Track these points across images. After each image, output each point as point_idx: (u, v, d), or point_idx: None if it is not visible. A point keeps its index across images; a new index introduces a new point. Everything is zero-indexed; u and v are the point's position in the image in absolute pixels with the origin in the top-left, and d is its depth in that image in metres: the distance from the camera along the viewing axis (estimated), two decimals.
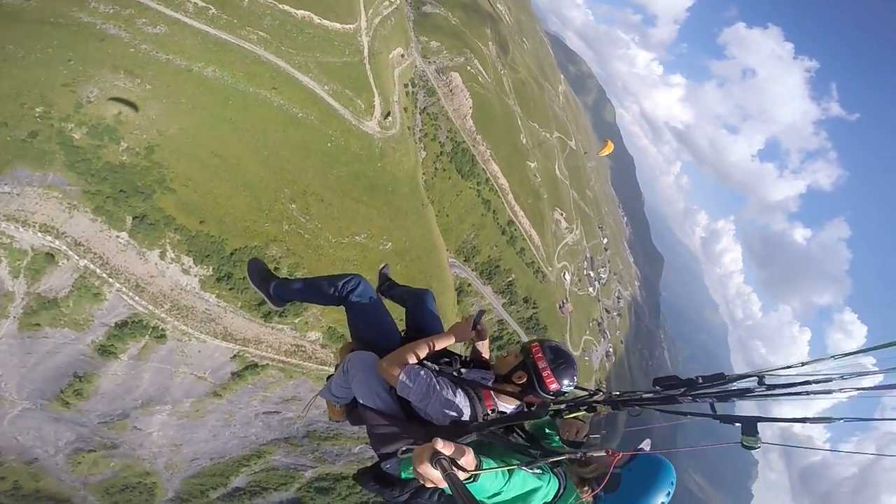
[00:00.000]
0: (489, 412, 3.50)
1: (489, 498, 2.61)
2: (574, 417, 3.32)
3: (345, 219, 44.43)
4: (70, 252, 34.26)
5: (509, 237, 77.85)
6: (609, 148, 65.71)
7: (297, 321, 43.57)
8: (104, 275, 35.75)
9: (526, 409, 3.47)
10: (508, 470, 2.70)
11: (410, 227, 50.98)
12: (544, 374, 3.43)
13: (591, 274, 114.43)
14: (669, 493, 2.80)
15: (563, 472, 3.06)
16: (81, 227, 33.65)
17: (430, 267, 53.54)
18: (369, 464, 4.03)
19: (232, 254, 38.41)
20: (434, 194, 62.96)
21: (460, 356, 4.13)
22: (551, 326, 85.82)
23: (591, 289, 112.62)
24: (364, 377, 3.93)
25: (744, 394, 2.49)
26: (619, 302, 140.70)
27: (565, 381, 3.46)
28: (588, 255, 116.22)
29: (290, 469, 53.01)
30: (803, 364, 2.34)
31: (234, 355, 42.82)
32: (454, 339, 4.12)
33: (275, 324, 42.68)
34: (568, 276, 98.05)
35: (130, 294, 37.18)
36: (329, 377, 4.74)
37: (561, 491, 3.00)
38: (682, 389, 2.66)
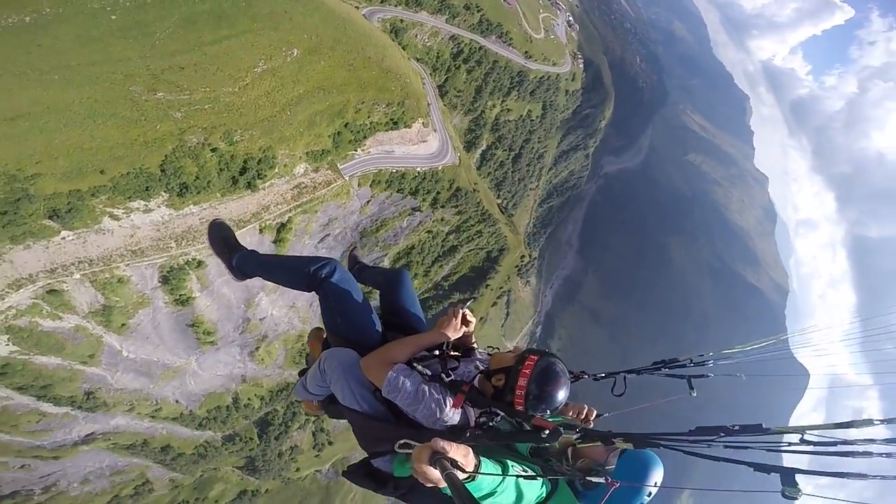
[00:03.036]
0: (483, 415, 3.24)
1: (482, 498, 2.51)
2: (588, 447, 3.09)
3: (224, 64, 36.75)
4: (60, 277, 34.17)
5: None
6: None
7: (275, 171, 42.05)
8: (102, 267, 35.77)
9: (534, 433, 2.99)
10: (503, 469, 2.61)
11: (302, 20, 41.33)
12: (517, 391, 3.02)
13: None
14: (651, 494, 2.76)
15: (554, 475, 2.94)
16: (33, 258, 32.20)
17: (354, 40, 45.45)
18: (358, 460, 3.77)
19: (162, 170, 35.64)
20: None
21: (446, 345, 3.68)
22: (504, 21, 78.00)
23: None
24: (344, 378, 3.51)
25: (781, 449, 2.37)
26: None
27: (535, 407, 3.00)
28: None
29: (374, 263, 60.75)
30: (845, 425, 2.23)
31: (260, 229, 44.64)
32: (441, 339, 3.64)
33: (262, 187, 41.74)
34: None
35: (135, 261, 37.53)
36: (302, 372, 4.38)
37: (552, 492, 2.93)
38: (718, 435, 2.44)
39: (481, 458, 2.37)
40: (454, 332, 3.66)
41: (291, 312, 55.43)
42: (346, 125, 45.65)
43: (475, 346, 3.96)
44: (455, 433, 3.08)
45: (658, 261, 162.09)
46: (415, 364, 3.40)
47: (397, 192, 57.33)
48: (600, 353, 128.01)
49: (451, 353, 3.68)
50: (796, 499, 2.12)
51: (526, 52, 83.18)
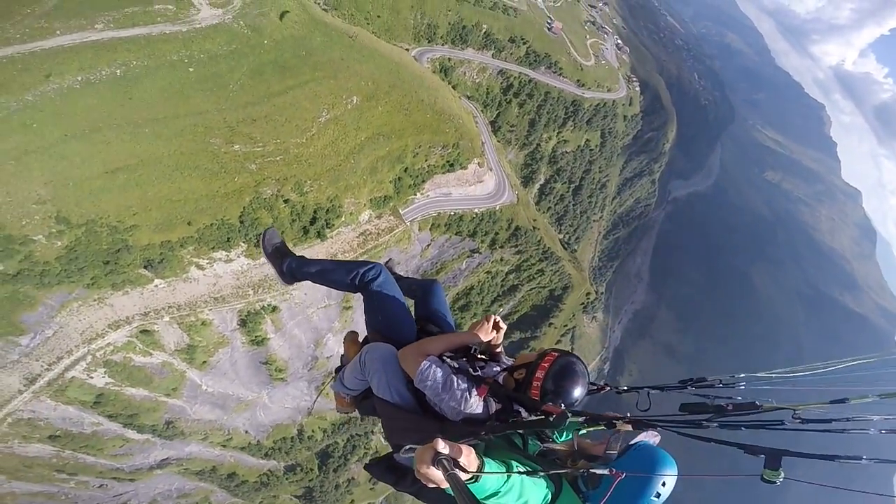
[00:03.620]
0: (503, 410, 3.38)
1: (487, 498, 2.50)
2: (590, 431, 3.10)
3: (292, 115, 39.66)
4: (152, 319, 37.35)
5: None
6: None
7: (342, 219, 44.09)
8: (188, 312, 38.64)
9: (543, 418, 3.13)
10: (507, 468, 2.62)
11: (359, 68, 44.48)
12: (534, 382, 3.22)
13: None
14: (660, 494, 2.62)
15: (558, 477, 2.92)
16: (130, 303, 35.28)
17: (407, 83, 47.93)
18: (382, 454, 3.98)
19: (241, 221, 38.35)
20: (344, 12, 53.57)
21: (476, 349, 3.96)
22: (551, 51, 78.82)
23: None
24: (383, 370, 3.81)
25: (775, 426, 2.34)
26: None
27: (552, 400, 3.16)
28: None
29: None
30: (839, 402, 2.23)
31: None
32: (475, 340, 3.93)
33: (331, 235, 43.81)
34: None
35: (217, 306, 40.23)
36: (338, 369, 4.68)
37: (558, 492, 2.91)
38: (710, 415, 2.51)
39: (485, 459, 2.38)
40: (485, 335, 3.92)
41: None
42: (405, 170, 47.37)
43: (501, 353, 4.12)
44: (475, 425, 3.22)
45: (739, 290, 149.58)
46: (445, 358, 3.63)
47: (456, 234, 58.00)
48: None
49: (480, 355, 3.91)
50: (775, 482, 2.04)
51: (578, 80, 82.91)
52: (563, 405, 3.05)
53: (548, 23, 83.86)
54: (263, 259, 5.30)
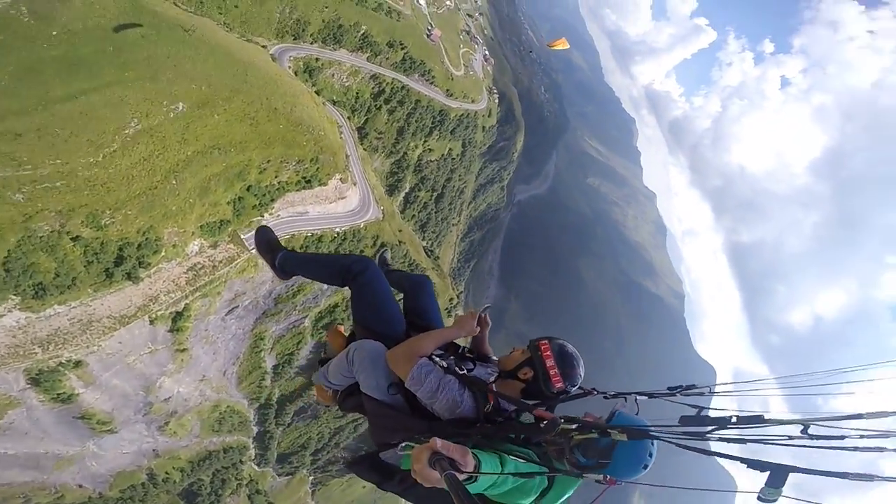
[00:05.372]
0: (493, 410, 3.20)
1: (484, 490, 2.47)
2: (585, 439, 2.80)
3: (81, 127, 28.02)
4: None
5: None
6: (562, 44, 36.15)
7: (161, 255, 33.90)
8: None
9: (536, 424, 2.92)
10: (501, 463, 2.59)
11: (190, 68, 33.53)
12: (551, 371, 3.19)
13: None
14: (652, 454, 2.71)
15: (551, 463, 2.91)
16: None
17: (256, 89, 38.27)
18: (364, 452, 3.73)
19: (6, 269, 26.71)
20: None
21: (463, 348, 3.95)
22: (427, 59, 75.10)
23: (448, 2, 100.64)
24: (371, 369, 3.54)
25: (781, 442, 2.17)
26: (476, 1, 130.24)
27: (571, 381, 3.20)
28: None
29: (291, 329, 53.82)
30: (854, 416, 2.00)
31: (151, 321, 36.51)
32: (461, 334, 3.74)
33: (146, 275, 33.42)
34: (422, 1, 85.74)
35: None
36: (322, 361, 4.39)
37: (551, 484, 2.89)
38: (713, 427, 2.34)
39: (481, 457, 2.32)
40: (470, 329, 3.76)
41: (202, 385, 47.31)
42: (248, 189, 38.56)
43: (489, 351, 4.06)
44: (465, 425, 3.13)
45: (572, 282, 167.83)
46: (434, 357, 3.48)
47: None
48: None
49: (468, 353, 3.89)
50: (774, 500, 1.89)
51: (447, 90, 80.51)
52: (577, 383, 3.17)
53: (428, 29, 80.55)
54: (255, 253, 4.52)
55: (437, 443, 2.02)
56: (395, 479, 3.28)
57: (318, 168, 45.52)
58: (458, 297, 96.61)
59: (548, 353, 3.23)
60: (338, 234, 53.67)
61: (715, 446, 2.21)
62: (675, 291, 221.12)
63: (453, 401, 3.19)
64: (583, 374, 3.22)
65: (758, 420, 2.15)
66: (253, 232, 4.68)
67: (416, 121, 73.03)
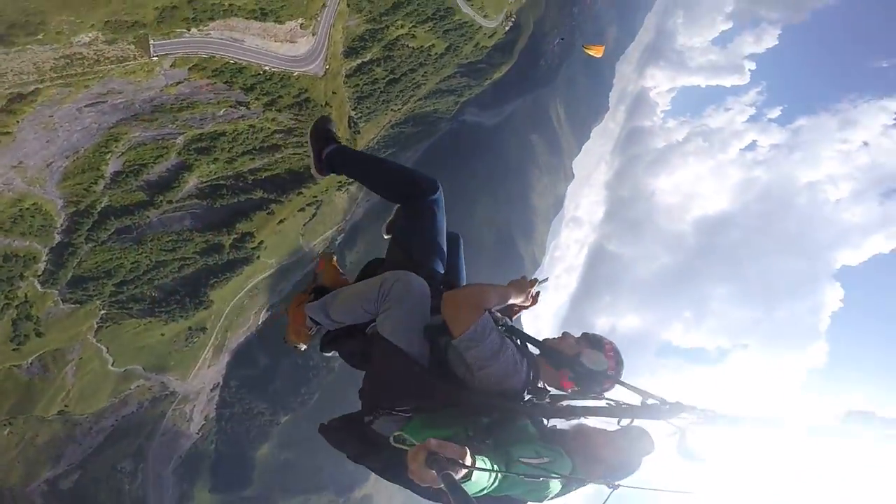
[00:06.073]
0: (540, 389, 3.02)
1: (479, 493, 2.31)
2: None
3: None
4: None
5: None
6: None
7: (35, 38, 24.87)
8: None
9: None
10: (507, 464, 2.49)
11: None
12: (609, 372, 2.96)
13: None
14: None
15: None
16: None
17: None
18: (344, 415, 3.18)
19: None
20: None
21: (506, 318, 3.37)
22: None
23: None
24: (410, 308, 2.95)
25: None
26: None
27: (612, 388, 3.06)
28: None
29: (157, 140, 46.11)
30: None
31: None
32: (517, 298, 3.25)
33: (2, 50, 24.41)
34: None
35: None
36: (318, 290, 3.60)
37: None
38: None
39: (478, 457, 2.22)
40: (523, 298, 3.33)
41: (13, 172, 37.78)
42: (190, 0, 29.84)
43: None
44: (505, 400, 2.82)
45: (465, 209, 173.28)
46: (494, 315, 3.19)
47: (225, 83, 42.79)
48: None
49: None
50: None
51: None
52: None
53: None
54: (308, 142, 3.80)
55: (433, 442, 1.95)
56: (383, 455, 2.84)
57: (282, 6, 36.87)
58: None
59: (611, 355, 3.00)
60: (264, 72, 46.07)
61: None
62: (535, 260, 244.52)
63: (511, 368, 2.84)
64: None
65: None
66: (319, 117, 4.12)
67: (418, 2, 62.54)
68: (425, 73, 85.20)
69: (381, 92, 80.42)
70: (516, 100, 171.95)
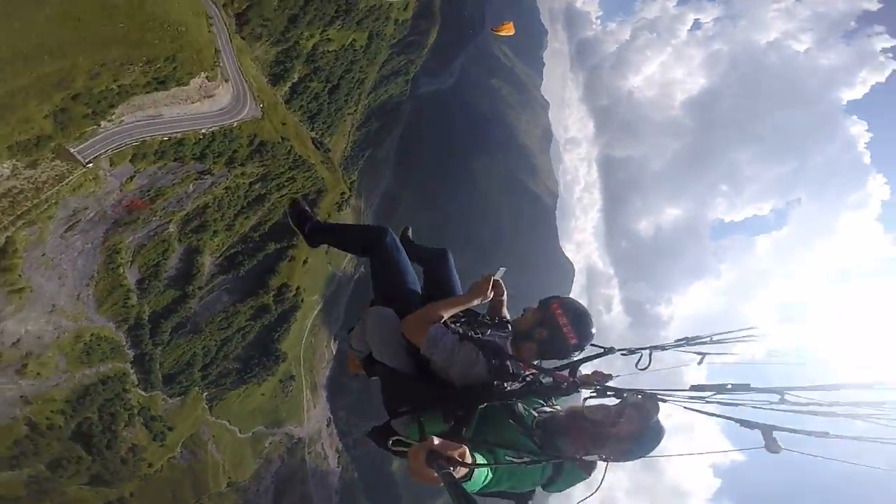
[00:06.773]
0: (508, 373, 3.10)
1: (481, 488, 2.37)
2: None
3: None
4: None
5: None
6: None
7: None
8: None
9: (556, 385, 2.94)
10: (496, 461, 2.56)
11: None
12: (565, 329, 3.13)
13: None
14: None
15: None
16: None
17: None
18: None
19: None
20: None
21: (480, 315, 3.81)
22: None
23: None
24: (383, 334, 3.43)
25: (762, 407, 2.34)
26: None
27: (585, 338, 3.16)
28: None
29: (152, 237, 47.62)
30: (825, 387, 2.15)
31: None
32: (475, 300, 3.60)
33: None
34: None
35: None
36: (351, 329, 4.22)
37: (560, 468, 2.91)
38: (713, 392, 2.49)
39: (476, 454, 2.25)
40: (484, 294, 3.63)
41: (54, 316, 40.34)
42: (74, 97, 29.24)
43: (506, 317, 3.93)
44: (480, 391, 2.99)
45: (464, 175, 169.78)
46: (448, 324, 3.44)
47: (174, 160, 42.44)
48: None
49: (485, 320, 3.77)
50: (777, 452, 2.08)
51: None
52: (590, 342, 3.15)
53: None
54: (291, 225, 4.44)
55: (434, 440, 1.91)
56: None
57: (175, 67, 35.84)
58: (349, 188, 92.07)
59: (559, 310, 3.16)
60: (203, 135, 45.31)
61: (714, 409, 2.34)
62: (551, 191, 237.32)
63: (469, 363, 3.08)
64: (595, 332, 3.22)
65: (745, 387, 2.29)
66: (294, 201, 4.54)
67: (314, 9, 59.52)
68: (361, 67, 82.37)
69: (327, 103, 78.59)
70: (460, 55, 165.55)
